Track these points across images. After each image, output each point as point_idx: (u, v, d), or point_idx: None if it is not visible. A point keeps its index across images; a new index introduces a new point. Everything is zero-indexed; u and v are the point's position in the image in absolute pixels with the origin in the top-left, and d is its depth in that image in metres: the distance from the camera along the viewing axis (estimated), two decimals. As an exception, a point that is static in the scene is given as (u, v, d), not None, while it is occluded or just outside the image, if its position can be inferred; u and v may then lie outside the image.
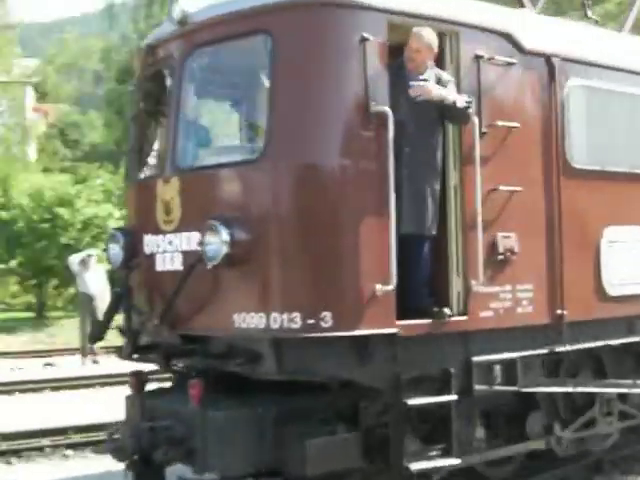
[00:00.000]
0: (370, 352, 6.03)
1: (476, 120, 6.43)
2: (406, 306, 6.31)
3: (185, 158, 6.50)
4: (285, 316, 5.82)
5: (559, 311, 7.05)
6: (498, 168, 6.69)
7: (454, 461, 6.39)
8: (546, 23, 7.81)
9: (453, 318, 6.41)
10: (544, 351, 7.00)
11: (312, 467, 5.88)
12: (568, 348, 7.12)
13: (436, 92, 6.19)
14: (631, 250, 7.69)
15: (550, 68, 7.07)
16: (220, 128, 6.55)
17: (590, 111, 7.41)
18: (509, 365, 6.76)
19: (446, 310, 6.32)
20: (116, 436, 6.36)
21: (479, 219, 6.43)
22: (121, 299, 6.75)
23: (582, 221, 7.31)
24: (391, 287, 5.95)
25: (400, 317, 6.17)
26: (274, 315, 5.85)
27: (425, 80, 6.28)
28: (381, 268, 5.95)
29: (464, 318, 6.44)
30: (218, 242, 5.86)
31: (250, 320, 5.96)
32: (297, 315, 5.80)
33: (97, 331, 6.81)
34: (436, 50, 6.32)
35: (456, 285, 6.48)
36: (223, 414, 6.00)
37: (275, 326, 5.84)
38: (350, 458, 6.10)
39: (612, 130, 7.58)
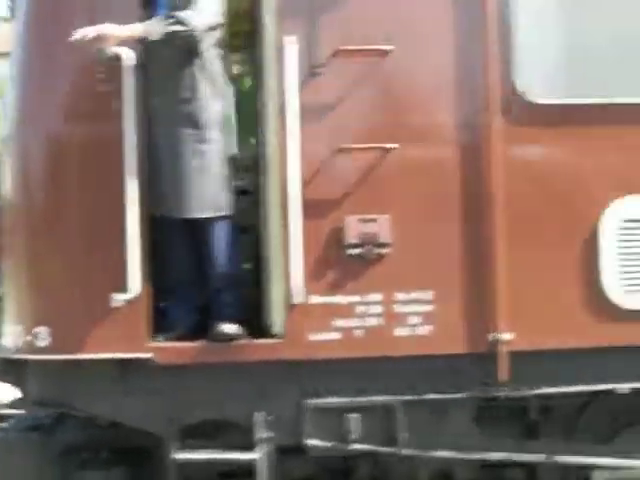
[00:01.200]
0: (128, 383, 4.47)
1: (292, 50, 4.32)
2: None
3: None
4: (12, 329, 4.61)
5: (492, 335, 4.43)
6: (350, 118, 4.41)
7: None
8: None
9: (264, 341, 4.42)
10: (460, 395, 4.46)
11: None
12: (512, 394, 4.45)
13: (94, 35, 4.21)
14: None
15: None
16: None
17: (561, 11, 4.47)
18: (383, 414, 4.45)
19: (226, 328, 4.36)
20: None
21: (295, 193, 4.33)
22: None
23: (558, 189, 4.47)
24: (130, 296, 4.30)
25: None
26: (6, 328, 4.69)
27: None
28: (114, 269, 4.33)
29: (279, 342, 4.39)
30: None
31: (-3, 333, 4.88)
32: (20, 329, 4.54)
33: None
34: None
35: (276, 293, 4.44)
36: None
37: (6, 342, 4.66)
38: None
39: (599, 38, 4.47)
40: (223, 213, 4.47)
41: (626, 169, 4.51)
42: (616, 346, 4.47)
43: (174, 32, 4.20)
